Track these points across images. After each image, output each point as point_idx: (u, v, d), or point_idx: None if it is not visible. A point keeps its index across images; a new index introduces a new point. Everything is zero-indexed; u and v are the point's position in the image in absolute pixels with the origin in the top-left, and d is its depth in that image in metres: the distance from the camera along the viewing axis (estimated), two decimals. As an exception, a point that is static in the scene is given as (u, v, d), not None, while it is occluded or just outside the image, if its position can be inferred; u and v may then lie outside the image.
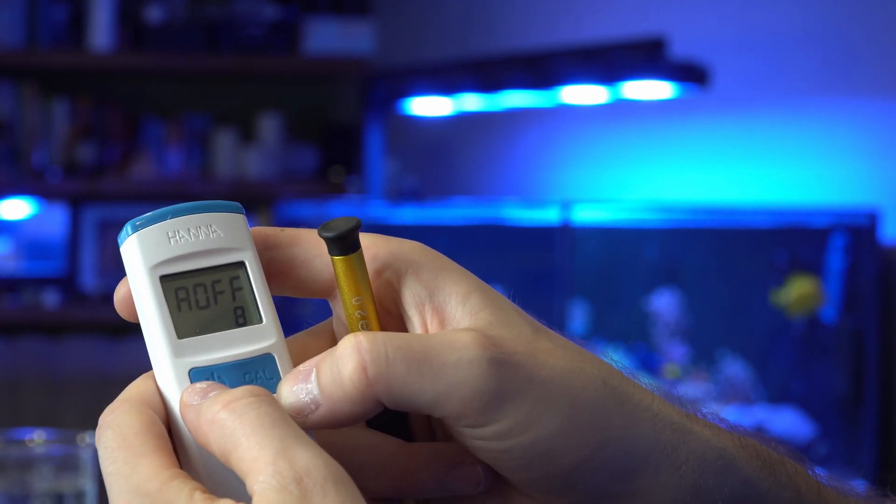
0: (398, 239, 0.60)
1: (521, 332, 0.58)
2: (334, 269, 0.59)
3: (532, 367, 0.56)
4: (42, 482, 1.24)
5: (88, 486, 1.25)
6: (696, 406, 0.62)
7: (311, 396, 0.56)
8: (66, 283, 4.54)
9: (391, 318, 0.60)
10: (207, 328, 0.57)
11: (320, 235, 0.58)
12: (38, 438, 1.26)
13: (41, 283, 4.50)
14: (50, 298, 4.41)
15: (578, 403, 0.57)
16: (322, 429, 0.56)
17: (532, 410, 0.56)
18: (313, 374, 0.56)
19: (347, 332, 0.58)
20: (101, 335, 4.31)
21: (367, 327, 0.59)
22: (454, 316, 0.58)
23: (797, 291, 2.86)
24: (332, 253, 0.58)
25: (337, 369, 0.55)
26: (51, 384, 4.25)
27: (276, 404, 0.54)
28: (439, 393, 0.55)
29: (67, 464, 1.25)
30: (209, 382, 0.56)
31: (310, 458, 0.52)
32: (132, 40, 4.47)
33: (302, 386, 0.56)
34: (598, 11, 3.71)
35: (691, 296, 3.05)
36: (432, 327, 0.59)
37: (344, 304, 0.59)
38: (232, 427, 0.53)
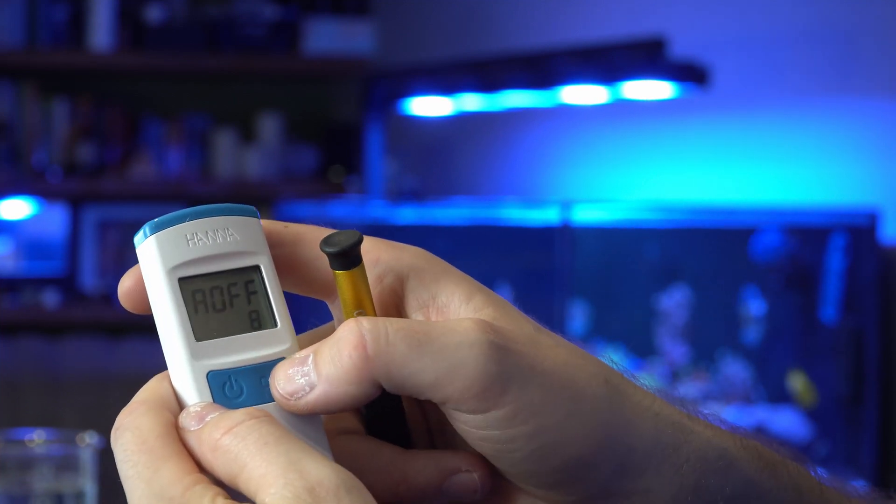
0: (399, 244, 0.60)
1: (523, 328, 0.58)
2: (336, 282, 0.59)
3: (534, 357, 0.57)
4: (42, 482, 1.24)
5: (88, 486, 1.25)
6: (696, 407, 0.62)
7: (306, 379, 0.55)
8: (66, 283, 4.54)
9: None
10: (224, 331, 0.57)
11: (322, 250, 0.58)
12: (38, 438, 1.26)
13: (41, 283, 4.50)
14: (50, 298, 4.41)
15: (581, 397, 0.57)
16: (316, 413, 0.56)
17: (534, 398, 0.56)
18: (310, 358, 0.56)
19: None
20: (100, 335, 4.31)
21: None
22: (458, 314, 0.59)
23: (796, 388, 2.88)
24: (333, 267, 0.58)
25: (336, 349, 0.55)
26: (51, 384, 4.25)
27: (276, 423, 0.54)
28: (440, 374, 0.55)
29: (67, 464, 1.25)
30: (203, 404, 0.55)
31: (320, 469, 0.51)
32: (132, 40, 4.47)
33: (298, 369, 0.56)
34: (598, 11, 3.71)
35: (691, 296, 3.05)
36: None
37: (346, 317, 0.59)
38: (236, 451, 0.53)
